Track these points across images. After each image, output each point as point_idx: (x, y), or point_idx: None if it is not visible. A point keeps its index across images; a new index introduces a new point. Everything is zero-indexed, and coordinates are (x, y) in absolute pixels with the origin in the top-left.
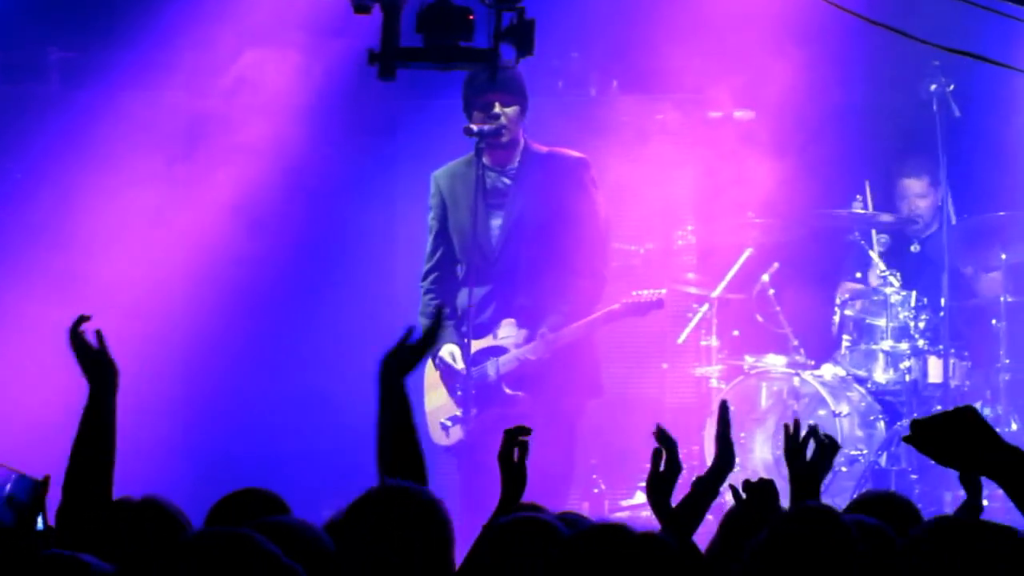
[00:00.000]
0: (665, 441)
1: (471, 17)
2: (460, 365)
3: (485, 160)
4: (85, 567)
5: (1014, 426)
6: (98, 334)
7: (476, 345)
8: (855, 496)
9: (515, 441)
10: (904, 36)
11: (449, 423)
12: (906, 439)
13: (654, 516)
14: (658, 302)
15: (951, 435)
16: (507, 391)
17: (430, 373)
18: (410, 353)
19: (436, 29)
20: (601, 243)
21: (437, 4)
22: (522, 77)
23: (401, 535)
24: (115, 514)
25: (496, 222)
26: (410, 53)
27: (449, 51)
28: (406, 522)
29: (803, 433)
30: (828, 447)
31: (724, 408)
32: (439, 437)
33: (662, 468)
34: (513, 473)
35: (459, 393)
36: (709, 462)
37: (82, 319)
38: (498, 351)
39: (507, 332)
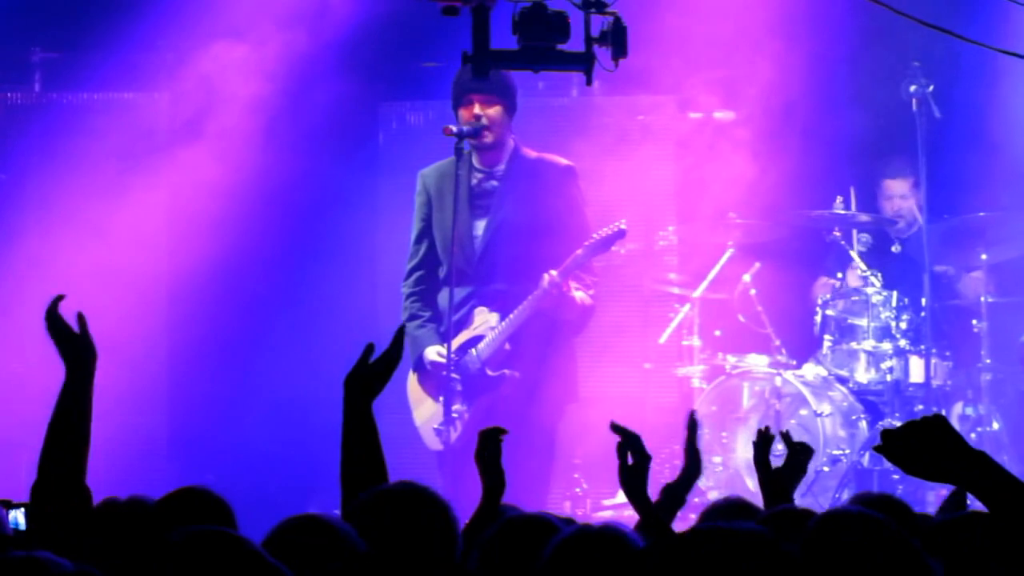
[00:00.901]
0: (624, 434)
1: (568, 20)
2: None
3: (474, 161)
4: (43, 565)
5: (996, 425)
6: (80, 317)
7: (455, 342)
8: (845, 497)
9: (491, 440)
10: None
11: (443, 428)
12: (877, 448)
13: (637, 513)
14: (619, 232)
15: (919, 445)
16: (491, 374)
17: (413, 388)
18: (375, 378)
19: (533, 31)
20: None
21: (534, 7)
22: (508, 78)
23: (408, 534)
24: (102, 515)
25: (480, 224)
26: (504, 55)
27: (543, 53)
28: (413, 522)
29: (777, 438)
30: (800, 451)
31: (692, 419)
32: (434, 444)
33: (630, 461)
34: (490, 472)
35: (440, 400)
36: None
37: (59, 299)
38: (475, 340)
39: (481, 319)
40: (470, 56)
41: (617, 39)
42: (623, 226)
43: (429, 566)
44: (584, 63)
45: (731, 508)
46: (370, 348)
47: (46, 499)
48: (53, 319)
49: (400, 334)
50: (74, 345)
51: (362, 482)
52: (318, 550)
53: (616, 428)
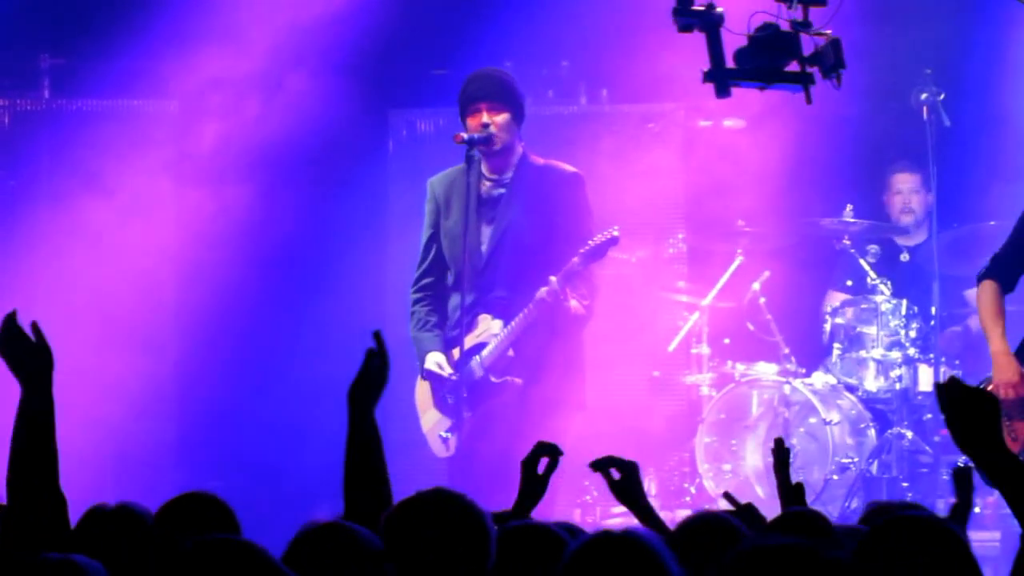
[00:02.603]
0: (602, 466)
1: (798, 41)
2: (448, 371)
3: (483, 168)
4: (76, 567)
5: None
6: (34, 326)
7: (458, 350)
8: (854, 506)
9: (544, 453)
10: None
11: (447, 434)
12: (937, 386)
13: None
14: (612, 239)
15: (972, 414)
16: (494, 380)
17: (421, 394)
18: (374, 381)
19: (767, 51)
20: None
21: (769, 28)
22: (514, 85)
23: (443, 542)
24: (89, 521)
25: (487, 230)
26: (737, 73)
27: (770, 72)
28: (449, 528)
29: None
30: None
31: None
32: (440, 450)
33: (618, 478)
34: (533, 482)
35: (450, 401)
36: (700, 469)
37: (12, 315)
38: (478, 347)
39: (484, 327)
40: (709, 74)
41: (825, 58)
42: (616, 233)
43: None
44: (802, 81)
45: (709, 526)
46: (371, 354)
47: (20, 512)
48: (6, 334)
49: (378, 338)
50: (28, 356)
51: (367, 491)
52: (340, 557)
53: (596, 466)
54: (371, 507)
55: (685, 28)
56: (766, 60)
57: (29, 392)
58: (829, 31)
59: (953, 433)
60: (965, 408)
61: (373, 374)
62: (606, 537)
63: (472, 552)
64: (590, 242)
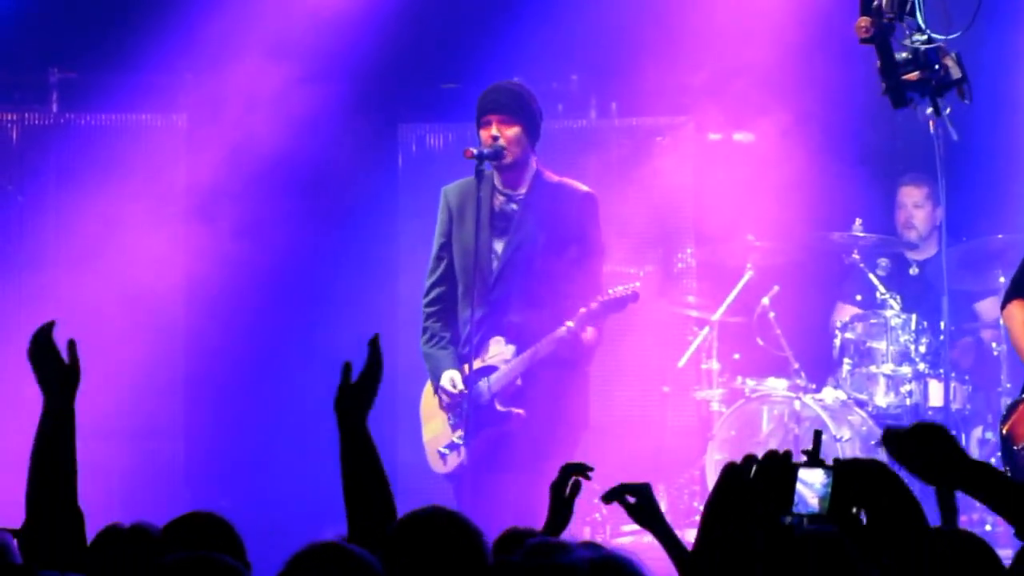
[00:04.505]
0: (614, 496)
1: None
2: (460, 387)
3: (496, 182)
4: None
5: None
6: (70, 345)
7: (467, 369)
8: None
9: (571, 475)
10: None
11: (446, 451)
12: (884, 441)
13: (656, 541)
14: (633, 295)
15: (922, 448)
16: (499, 408)
17: (426, 403)
18: (362, 393)
19: (919, 64)
20: (596, 280)
21: (923, 43)
22: (529, 99)
23: (440, 560)
24: (103, 541)
25: (499, 244)
26: (909, 85)
27: (926, 84)
28: (446, 547)
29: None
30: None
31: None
32: (437, 465)
33: (633, 502)
34: (560, 506)
35: (452, 420)
36: (711, 487)
37: (51, 325)
38: (488, 370)
39: (496, 350)
40: (887, 88)
41: (962, 72)
42: (636, 287)
43: None
44: (931, 94)
45: None
46: (347, 367)
47: (39, 528)
48: (41, 344)
49: (375, 343)
50: (58, 372)
51: (368, 504)
52: None
53: (608, 498)
54: (374, 525)
55: (869, 40)
56: (924, 72)
57: (52, 406)
58: (945, 49)
59: (920, 475)
60: (917, 447)
61: (363, 383)
62: (590, 562)
63: (469, 570)
64: (611, 292)
